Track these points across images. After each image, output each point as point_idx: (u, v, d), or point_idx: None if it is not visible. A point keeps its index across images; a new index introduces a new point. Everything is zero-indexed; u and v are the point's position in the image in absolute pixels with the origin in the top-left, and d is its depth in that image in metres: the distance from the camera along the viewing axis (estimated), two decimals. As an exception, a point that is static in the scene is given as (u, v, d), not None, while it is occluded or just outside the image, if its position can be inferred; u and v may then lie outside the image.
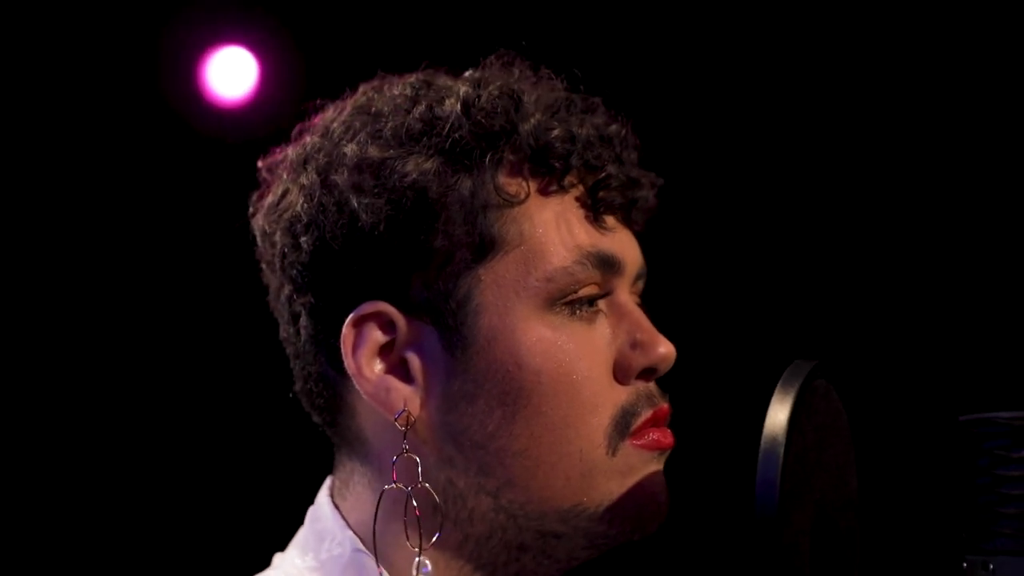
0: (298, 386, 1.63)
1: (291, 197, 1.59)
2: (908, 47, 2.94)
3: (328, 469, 1.65)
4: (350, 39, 3.13)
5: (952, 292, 2.90)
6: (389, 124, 1.56)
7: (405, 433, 1.54)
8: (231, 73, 3.23)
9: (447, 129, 1.53)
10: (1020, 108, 2.87)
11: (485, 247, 1.53)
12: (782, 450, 1.35)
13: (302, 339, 1.60)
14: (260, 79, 3.22)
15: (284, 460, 2.91)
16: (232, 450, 3.21)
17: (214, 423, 3.21)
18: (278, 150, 1.65)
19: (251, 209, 1.66)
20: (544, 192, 1.55)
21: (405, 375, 1.55)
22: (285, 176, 1.61)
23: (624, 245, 1.58)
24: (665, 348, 1.56)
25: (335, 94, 1.66)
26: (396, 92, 1.59)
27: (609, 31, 3.06)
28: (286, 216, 1.59)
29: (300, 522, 1.64)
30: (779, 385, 1.38)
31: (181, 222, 3.17)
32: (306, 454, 1.84)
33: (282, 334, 1.64)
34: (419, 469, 1.54)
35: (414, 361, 1.55)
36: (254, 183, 1.67)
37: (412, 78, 1.60)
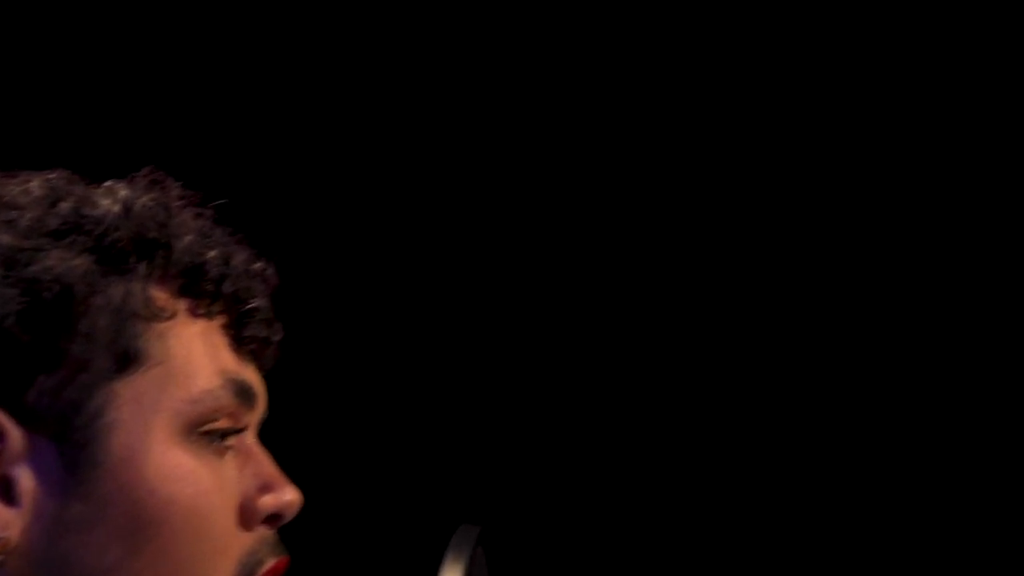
0: None
1: None
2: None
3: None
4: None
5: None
6: (27, 215, 1.41)
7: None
8: None
9: (103, 229, 1.41)
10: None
11: (128, 359, 1.39)
12: None
13: None
14: None
15: None
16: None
17: None
18: None
19: None
20: (192, 313, 1.45)
21: (8, 495, 1.37)
22: None
23: (258, 382, 1.50)
24: (293, 495, 1.47)
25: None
26: (33, 185, 1.45)
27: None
28: None
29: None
30: (450, 552, 1.38)
31: None
32: None
33: None
34: None
35: (23, 479, 1.37)
36: None
37: (51, 175, 1.47)
